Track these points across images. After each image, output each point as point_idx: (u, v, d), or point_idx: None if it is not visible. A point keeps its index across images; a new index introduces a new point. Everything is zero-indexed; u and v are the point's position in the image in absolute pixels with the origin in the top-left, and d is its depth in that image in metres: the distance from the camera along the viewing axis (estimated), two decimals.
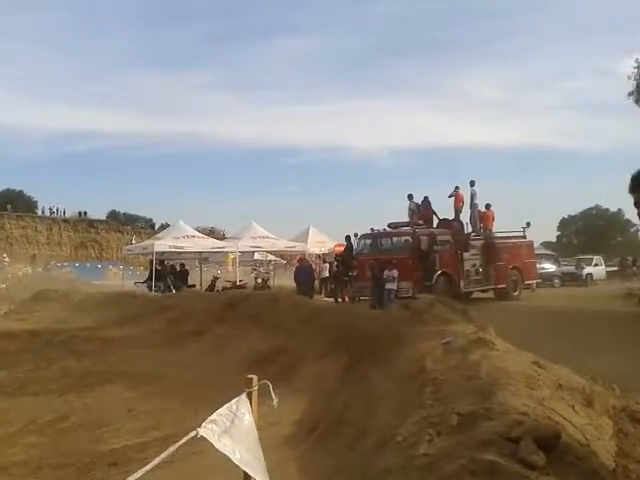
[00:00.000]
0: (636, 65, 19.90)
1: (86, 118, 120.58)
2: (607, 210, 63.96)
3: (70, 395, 9.39)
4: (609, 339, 10.35)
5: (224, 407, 2.50)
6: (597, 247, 47.63)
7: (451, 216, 20.34)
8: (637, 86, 20.08)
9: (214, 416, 2.39)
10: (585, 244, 56.84)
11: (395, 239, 19.10)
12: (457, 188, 20.41)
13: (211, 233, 47.01)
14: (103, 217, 74.19)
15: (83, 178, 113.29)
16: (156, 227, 69.50)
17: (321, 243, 26.34)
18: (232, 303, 15.06)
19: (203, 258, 28.67)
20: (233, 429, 2.45)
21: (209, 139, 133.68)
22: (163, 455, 2.09)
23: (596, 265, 31.74)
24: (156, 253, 23.15)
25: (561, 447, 3.30)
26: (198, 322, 14.28)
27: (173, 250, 24.34)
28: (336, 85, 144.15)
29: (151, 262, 24.06)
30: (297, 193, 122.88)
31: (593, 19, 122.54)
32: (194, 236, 25.69)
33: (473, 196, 20.17)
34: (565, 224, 67.03)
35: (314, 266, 23.55)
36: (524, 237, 21.53)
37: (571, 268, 30.33)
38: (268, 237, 26.33)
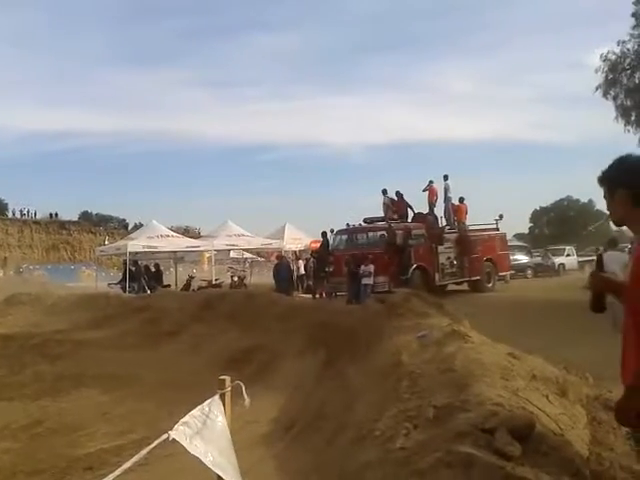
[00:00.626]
0: (603, 59, 20.20)
1: (57, 118, 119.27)
2: (578, 201, 64.99)
3: (44, 400, 9.25)
4: (581, 329, 10.50)
5: (196, 409, 2.46)
6: (569, 238, 48.34)
7: (425, 210, 20.46)
8: (605, 79, 20.38)
9: (186, 418, 2.35)
10: (557, 235, 57.66)
11: (370, 234, 19.17)
12: (431, 182, 20.54)
13: (186, 232, 46.67)
14: (75, 218, 73.18)
15: (54, 179, 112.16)
16: (129, 227, 68.71)
17: (297, 240, 26.28)
18: (208, 302, 14.94)
19: (178, 258, 28.43)
20: (205, 431, 2.41)
21: (183, 137, 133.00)
22: (134, 459, 2.05)
23: (568, 255, 32.20)
24: (130, 253, 22.88)
25: (536, 437, 3.33)
26: (173, 322, 14.13)
27: (147, 250, 24.08)
28: (311, 81, 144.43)
29: (125, 263, 23.79)
30: (272, 190, 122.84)
31: (564, 12, 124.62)
32: (168, 235, 25.45)
33: (447, 190, 20.32)
34: (537, 215, 67.84)
35: (291, 263, 23.50)
36: (497, 229, 21.77)
37: (546, 259, 30.66)
38: (244, 235, 26.19)
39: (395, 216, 19.91)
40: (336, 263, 18.00)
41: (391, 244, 17.63)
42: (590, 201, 62.41)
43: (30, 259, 60.02)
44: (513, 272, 24.70)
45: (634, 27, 19.35)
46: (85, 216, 75.00)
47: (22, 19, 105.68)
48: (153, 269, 24.68)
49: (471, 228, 21.02)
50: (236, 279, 25.54)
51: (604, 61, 20.16)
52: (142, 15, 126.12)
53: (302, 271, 22.42)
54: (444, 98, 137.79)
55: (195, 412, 2.44)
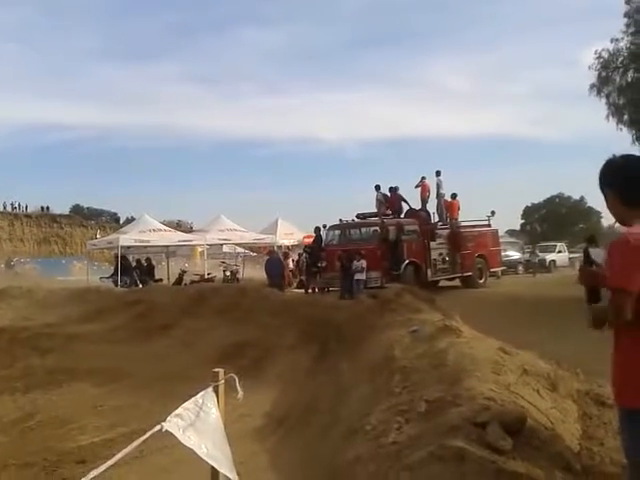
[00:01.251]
0: (596, 56, 20.24)
1: (49, 111, 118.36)
2: (570, 198, 65.27)
3: (35, 393, 9.22)
4: (572, 324, 10.56)
5: (190, 401, 2.47)
6: (560, 234, 48.57)
7: (418, 206, 20.49)
8: (598, 77, 20.41)
9: (179, 410, 2.35)
10: (549, 231, 57.95)
11: (363, 230, 19.17)
12: (423, 178, 20.56)
13: (178, 227, 46.52)
14: (66, 212, 72.75)
15: (45, 172, 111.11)
16: (121, 221, 68.47)
17: (290, 235, 26.24)
18: (200, 296, 14.93)
19: (170, 252, 28.33)
20: (199, 423, 2.42)
21: (176, 131, 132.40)
22: (127, 450, 2.05)
23: (559, 252, 32.36)
24: (122, 247, 22.79)
25: (527, 431, 3.36)
26: (165, 316, 14.10)
27: (139, 244, 23.98)
28: (305, 77, 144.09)
29: (116, 257, 23.68)
30: (266, 185, 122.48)
31: (561, 8, 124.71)
32: (160, 230, 25.34)
33: (439, 186, 20.35)
34: (529, 212, 68.07)
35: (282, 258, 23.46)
36: (489, 226, 21.84)
37: (534, 256, 30.78)
38: (236, 230, 26.13)
39: (388, 212, 19.93)
40: (329, 258, 18.00)
41: (384, 240, 17.65)
42: (582, 198, 62.83)
43: (21, 253, 59.66)
44: (505, 268, 24.80)
45: (627, 25, 19.42)
46: (76, 210, 74.61)
47: (14, 13, 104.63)
48: (145, 263, 24.61)
49: (463, 224, 21.07)
50: (228, 274, 25.48)
51: (597, 58, 20.21)
52: (134, 10, 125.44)
53: (290, 266, 22.39)
54: (439, 94, 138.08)
55: (188, 404, 2.44)
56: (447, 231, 20.02)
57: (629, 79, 20.06)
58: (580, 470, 3.29)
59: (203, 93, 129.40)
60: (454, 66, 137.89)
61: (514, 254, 31.25)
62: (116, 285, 22.25)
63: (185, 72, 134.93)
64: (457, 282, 20.43)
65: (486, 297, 17.09)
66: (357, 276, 16.13)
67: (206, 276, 24.12)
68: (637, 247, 2.35)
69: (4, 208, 67.68)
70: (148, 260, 25.14)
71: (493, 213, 22.05)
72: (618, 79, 20.24)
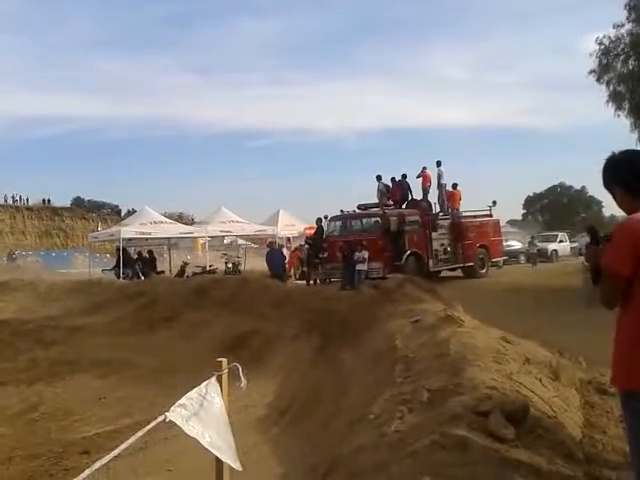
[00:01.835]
0: (598, 42, 20.09)
1: (48, 103, 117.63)
2: (571, 187, 65.18)
3: (39, 385, 9.27)
4: (573, 313, 10.59)
5: (193, 391, 2.47)
6: (562, 224, 48.53)
7: (419, 196, 20.46)
8: (599, 64, 20.29)
9: (183, 400, 2.36)
10: (550, 221, 57.87)
11: (365, 220, 19.13)
12: (424, 168, 20.47)
13: (179, 218, 46.51)
14: (67, 204, 72.70)
15: (46, 165, 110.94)
16: (122, 213, 68.40)
17: (291, 226, 26.19)
18: (202, 288, 14.96)
19: (172, 244, 28.34)
20: (202, 412, 2.42)
21: (175, 122, 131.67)
22: (131, 440, 2.06)
23: (561, 241, 32.30)
24: (123, 240, 22.79)
25: (529, 420, 3.37)
26: (168, 308, 14.14)
27: (140, 236, 23.97)
28: (303, 67, 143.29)
29: (118, 249, 23.69)
30: (267, 176, 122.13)
31: None
32: (162, 222, 25.31)
33: (440, 176, 20.26)
34: (530, 202, 68.00)
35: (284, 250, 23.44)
36: (490, 216, 21.79)
37: (539, 245, 30.69)
38: (238, 221, 26.10)
39: (390, 202, 19.89)
40: (330, 249, 17.97)
41: (385, 230, 17.63)
42: (583, 187, 62.74)
43: (23, 245, 59.74)
44: (506, 258, 24.77)
45: (629, 12, 19.28)
46: (77, 202, 74.53)
47: (10, 4, 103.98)
48: (147, 255, 24.61)
49: (465, 214, 21.03)
50: (230, 265, 25.48)
51: (599, 44, 20.08)
52: (131, 0, 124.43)
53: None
54: (438, 84, 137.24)
55: (192, 394, 2.45)
56: (448, 221, 19.97)
57: (630, 67, 19.94)
58: (582, 458, 3.30)
59: (202, 84, 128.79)
60: (453, 56, 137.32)
61: (515, 244, 31.19)
62: (118, 277, 22.26)
63: (183, 63, 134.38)
64: (459, 272, 20.42)
65: (488, 287, 17.09)
66: (359, 267, 16.10)
67: (208, 268, 24.12)
68: (633, 230, 2.38)
69: (5, 201, 67.66)
70: (150, 252, 25.15)
71: (494, 203, 21.99)
72: (619, 66, 20.12)
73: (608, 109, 20.28)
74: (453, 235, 19.73)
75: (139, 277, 22.21)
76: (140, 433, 2.11)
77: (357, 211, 20.04)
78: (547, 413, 3.69)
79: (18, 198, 68.09)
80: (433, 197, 20.51)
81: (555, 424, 3.56)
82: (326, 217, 20.03)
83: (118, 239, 23.07)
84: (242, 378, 2.83)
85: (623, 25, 19.48)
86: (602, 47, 20.06)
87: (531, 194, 68.02)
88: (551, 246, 31.10)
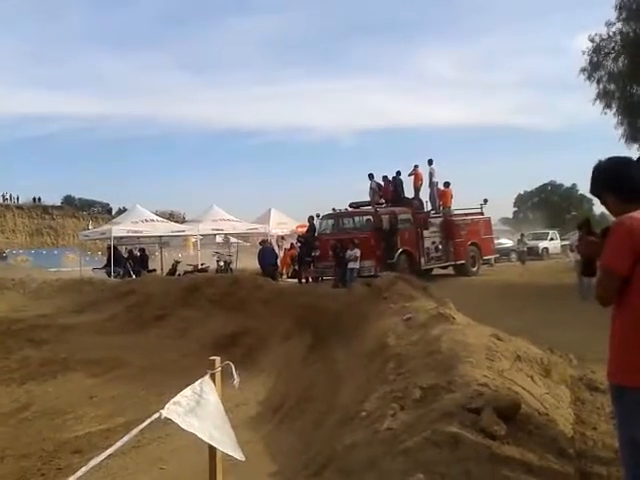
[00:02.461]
0: (590, 40, 20.14)
1: (38, 102, 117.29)
2: (561, 185, 65.48)
3: (30, 384, 9.21)
4: (564, 311, 10.65)
5: (187, 389, 2.47)
6: (553, 222, 48.73)
7: (411, 194, 20.49)
8: (590, 61, 20.36)
9: (178, 398, 2.36)
10: (541, 219, 58.09)
11: (357, 218, 19.17)
12: (416, 166, 20.52)
13: (171, 217, 46.35)
14: (58, 203, 72.33)
15: (36, 163, 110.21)
16: (113, 212, 68.11)
17: (283, 224, 26.19)
18: (194, 287, 14.92)
19: (163, 242, 28.25)
20: (198, 409, 2.42)
21: (167, 121, 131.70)
22: (125, 438, 2.06)
23: (552, 239, 32.46)
24: (114, 238, 22.71)
25: (521, 417, 3.40)
26: (159, 307, 14.10)
27: (132, 235, 23.90)
28: (297, 66, 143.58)
29: (109, 248, 23.60)
30: (259, 174, 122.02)
31: None
32: (153, 220, 25.23)
33: (432, 174, 20.32)
34: (521, 200, 68.26)
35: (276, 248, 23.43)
36: (482, 214, 21.87)
37: (530, 243, 30.78)
38: (229, 219, 26.06)
39: (382, 201, 19.92)
40: (322, 247, 18.00)
41: (377, 229, 17.66)
42: (573, 186, 62.98)
43: (13, 244, 59.42)
44: (497, 256, 24.87)
45: (619, 11, 19.36)
46: (68, 201, 74.13)
47: (1, 1, 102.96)
48: (138, 254, 24.53)
49: (456, 212, 21.09)
50: (222, 264, 25.44)
51: (590, 41, 20.13)
52: None
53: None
54: (431, 83, 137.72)
55: (186, 392, 2.45)
56: (440, 219, 20.03)
57: (621, 65, 20.03)
58: (574, 454, 3.33)
59: (194, 82, 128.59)
60: (446, 55, 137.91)
61: (507, 242, 31.33)
62: (109, 276, 22.19)
63: (175, 61, 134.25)
64: (450, 270, 20.49)
65: (479, 285, 17.17)
66: (351, 265, 16.14)
67: (200, 266, 24.08)
68: (630, 228, 2.40)
69: None
70: (142, 250, 25.09)
71: (486, 201, 22.08)
72: (610, 64, 20.22)
73: (596, 107, 20.39)
74: (444, 233, 19.80)
75: (130, 275, 22.14)
76: (135, 431, 2.11)
77: (349, 209, 20.06)
78: (538, 410, 3.71)
79: (8, 196, 67.70)
80: (425, 195, 20.59)
81: (546, 421, 3.59)
82: (318, 215, 20.04)
83: (109, 237, 22.99)
84: (235, 376, 2.83)
85: (614, 24, 19.57)
86: (594, 45, 20.14)
87: (522, 192, 68.31)
88: (542, 244, 31.28)
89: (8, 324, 14.24)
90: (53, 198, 72.38)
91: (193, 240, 28.97)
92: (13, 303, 18.74)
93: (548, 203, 64.37)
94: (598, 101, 20.30)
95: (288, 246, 23.54)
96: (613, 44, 20.05)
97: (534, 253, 29.39)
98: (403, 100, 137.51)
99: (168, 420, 2.27)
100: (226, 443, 2.62)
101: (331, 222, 19.30)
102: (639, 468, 2.41)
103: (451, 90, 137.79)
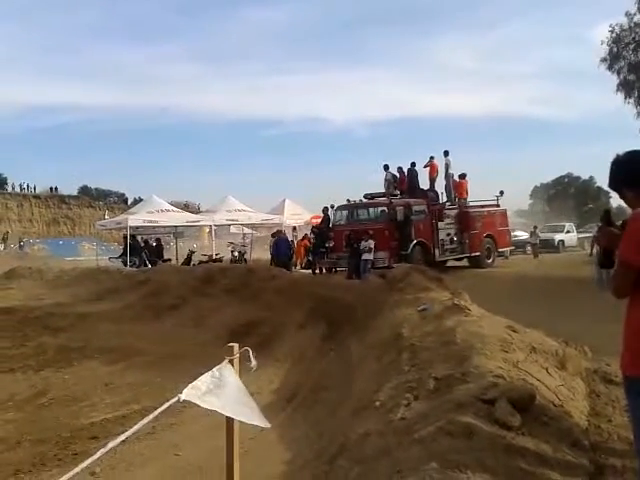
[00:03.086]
0: (610, 30, 19.87)
1: (56, 92, 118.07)
2: (579, 178, 64.84)
3: (47, 371, 9.33)
4: (579, 303, 10.58)
5: (206, 374, 2.49)
6: (569, 214, 48.30)
7: (426, 186, 20.40)
8: (610, 52, 20.10)
9: (196, 382, 2.37)
10: (558, 212, 57.60)
11: (371, 210, 19.12)
12: (432, 158, 20.43)
13: (185, 207, 46.53)
14: (74, 193, 72.88)
15: (53, 153, 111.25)
16: (129, 202, 68.57)
17: (298, 215, 26.22)
18: (209, 276, 15.01)
19: (178, 232, 28.41)
20: (218, 390, 2.44)
21: (182, 111, 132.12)
22: (145, 421, 2.08)
23: (568, 232, 32.18)
24: (130, 228, 22.88)
25: (536, 408, 3.39)
26: (175, 296, 14.21)
27: (147, 225, 24.06)
28: (311, 57, 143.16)
29: (125, 237, 23.79)
30: (273, 165, 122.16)
31: None
32: (168, 210, 25.38)
33: (448, 166, 20.22)
34: (538, 192, 67.70)
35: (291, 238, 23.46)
36: (498, 206, 21.73)
37: (546, 235, 30.53)
38: (244, 210, 26.14)
39: (397, 192, 19.86)
40: (336, 238, 18.01)
41: (392, 220, 17.62)
42: (591, 178, 62.33)
43: (30, 233, 59.99)
44: (513, 248, 24.72)
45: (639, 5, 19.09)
46: (85, 190, 74.70)
47: None
48: (154, 244, 24.71)
49: (472, 204, 20.98)
50: (236, 254, 25.54)
51: (610, 32, 19.86)
52: None
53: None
54: (445, 73, 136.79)
55: (205, 377, 2.47)
56: (455, 211, 19.94)
57: None
58: (588, 446, 3.32)
59: (208, 73, 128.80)
60: (461, 45, 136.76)
61: (522, 234, 31.12)
62: (125, 265, 22.38)
63: (190, 52, 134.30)
64: (465, 262, 20.41)
65: (494, 277, 17.08)
66: (365, 256, 16.14)
67: (214, 256, 24.20)
68: None
69: (13, 189, 67.93)
70: (158, 240, 25.28)
71: (502, 193, 21.94)
72: (630, 55, 19.96)
73: (617, 98, 20.18)
74: (460, 225, 19.71)
75: (146, 265, 22.31)
76: (155, 413, 2.13)
77: (364, 200, 20.03)
78: (553, 401, 3.70)
79: (26, 186, 68.28)
80: (440, 187, 20.49)
81: (561, 412, 3.57)
82: (332, 206, 20.05)
83: (125, 227, 23.16)
84: (252, 360, 2.85)
85: (635, 14, 19.32)
86: (614, 35, 19.90)
87: (538, 184, 67.73)
88: (558, 236, 31.02)
89: (25, 312, 14.45)
90: (70, 188, 73.02)
91: (208, 230, 29.10)
92: (30, 291, 18.99)
93: (565, 196, 63.75)
94: (619, 92, 20.10)
95: (300, 237, 23.56)
96: (634, 35, 19.79)
97: (550, 245, 29.18)
98: (418, 90, 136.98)
99: (184, 406, 2.28)
100: (250, 415, 2.65)
101: (345, 213, 19.29)
102: None
103: (467, 80, 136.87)
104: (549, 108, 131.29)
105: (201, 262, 22.41)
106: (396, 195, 19.63)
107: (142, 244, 24.48)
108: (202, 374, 2.54)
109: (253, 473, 4.34)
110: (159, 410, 2.13)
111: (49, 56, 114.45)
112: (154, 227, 25.21)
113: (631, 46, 19.83)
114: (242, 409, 2.61)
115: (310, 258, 20.37)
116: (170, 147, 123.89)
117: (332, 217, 19.51)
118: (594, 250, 15.86)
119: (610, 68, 20.15)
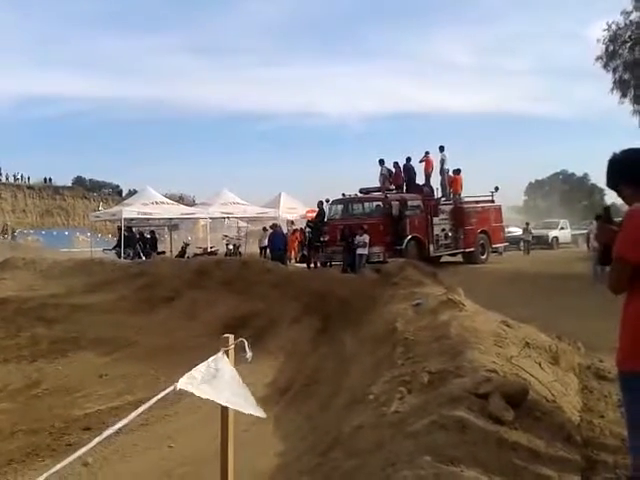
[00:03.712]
0: (606, 28, 19.88)
1: (50, 82, 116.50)
2: (573, 175, 65.11)
3: (41, 362, 9.34)
4: (573, 299, 10.63)
5: (202, 364, 2.49)
6: (563, 211, 48.47)
7: (421, 181, 20.41)
8: (606, 50, 20.11)
9: (192, 372, 2.38)
10: (552, 208, 57.79)
11: (366, 204, 19.12)
12: (427, 153, 20.42)
13: (180, 200, 46.40)
14: (69, 183, 72.51)
15: (47, 143, 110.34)
16: (123, 194, 68.28)
17: (293, 209, 26.20)
18: (203, 269, 14.99)
19: (173, 225, 28.35)
20: (214, 381, 2.45)
21: (177, 103, 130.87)
22: (140, 409, 2.09)
23: (562, 229, 32.27)
24: (125, 220, 22.82)
25: (528, 403, 3.42)
26: (169, 288, 14.20)
27: (142, 217, 24.02)
28: (306, 50, 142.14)
29: (119, 229, 23.73)
30: (269, 159, 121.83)
31: None
32: (163, 202, 25.33)
33: (443, 161, 20.22)
34: (532, 189, 67.97)
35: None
36: (492, 202, 21.76)
37: (540, 232, 30.62)
38: (239, 203, 26.12)
39: (392, 187, 19.86)
40: (331, 233, 18.00)
41: (387, 215, 17.62)
42: (585, 175, 62.58)
43: (24, 224, 59.71)
44: (507, 244, 24.78)
45: (636, 3, 19.10)
46: (79, 181, 74.28)
47: None
48: (148, 236, 24.65)
49: (466, 200, 20.99)
50: (231, 247, 25.52)
51: (607, 31, 19.86)
52: None
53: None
54: (441, 68, 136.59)
55: (201, 367, 2.47)
56: (450, 207, 19.96)
57: (637, 54, 19.80)
58: (580, 441, 3.34)
59: (204, 64, 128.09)
60: (457, 40, 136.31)
61: (517, 230, 31.19)
62: (119, 257, 22.32)
63: (185, 43, 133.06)
64: (459, 258, 20.44)
65: (488, 272, 17.13)
66: (359, 251, 16.14)
67: (209, 249, 24.17)
68: None
69: (7, 179, 67.51)
70: (152, 233, 25.21)
71: (497, 189, 21.97)
72: (626, 54, 19.99)
73: (613, 96, 20.21)
74: (454, 220, 19.73)
75: (140, 257, 22.26)
76: (150, 403, 2.13)
77: (359, 195, 20.02)
78: (546, 397, 3.73)
79: (19, 177, 67.81)
80: (435, 182, 20.50)
81: (554, 408, 3.60)
82: (328, 200, 20.02)
83: (119, 219, 23.10)
84: (248, 351, 2.85)
85: (631, 12, 19.35)
86: (610, 33, 19.92)
87: (533, 181, 67.95)
88: (552, 233, 31.11)
89: (19, 303, 14.41)
90: (64, 179, 72.52)
91: (202, 223, 29.06)
92: (24, 282, 18.92)
93: (559, 192, 64.00)
94: (615, 91, 20.14)
95: (293, 230, 23.48)
96: (629, 33, 19.81)
97: (544, 242, 29.28)
98: (414, 85, 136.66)
99: (179, 398, 2.29)
100: (244, 405, 2.65)
101: (340, 207, 19.27)
102: None
103: (464, 76, 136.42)
104: (545, 105, 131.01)
105: (196, 255, 22.38)
106: (391, 190, 19.63)
107: (137, 236, 24.42)
108: (196, 365, 2.55)
109: (246, 465, 4.35)
110: (155, 398, 2.13)
111: (43, 46, 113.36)
112: (148, 219, 25.14)
113: (627, 44, 19.85)
114: (237, 399, 2.62)
115: (305, 252, 20.36)
116: (165, 139, 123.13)
117: (327, 211, 19.49)
118: (590, 245, 15.93)
119: (605, 67, 20.17)
